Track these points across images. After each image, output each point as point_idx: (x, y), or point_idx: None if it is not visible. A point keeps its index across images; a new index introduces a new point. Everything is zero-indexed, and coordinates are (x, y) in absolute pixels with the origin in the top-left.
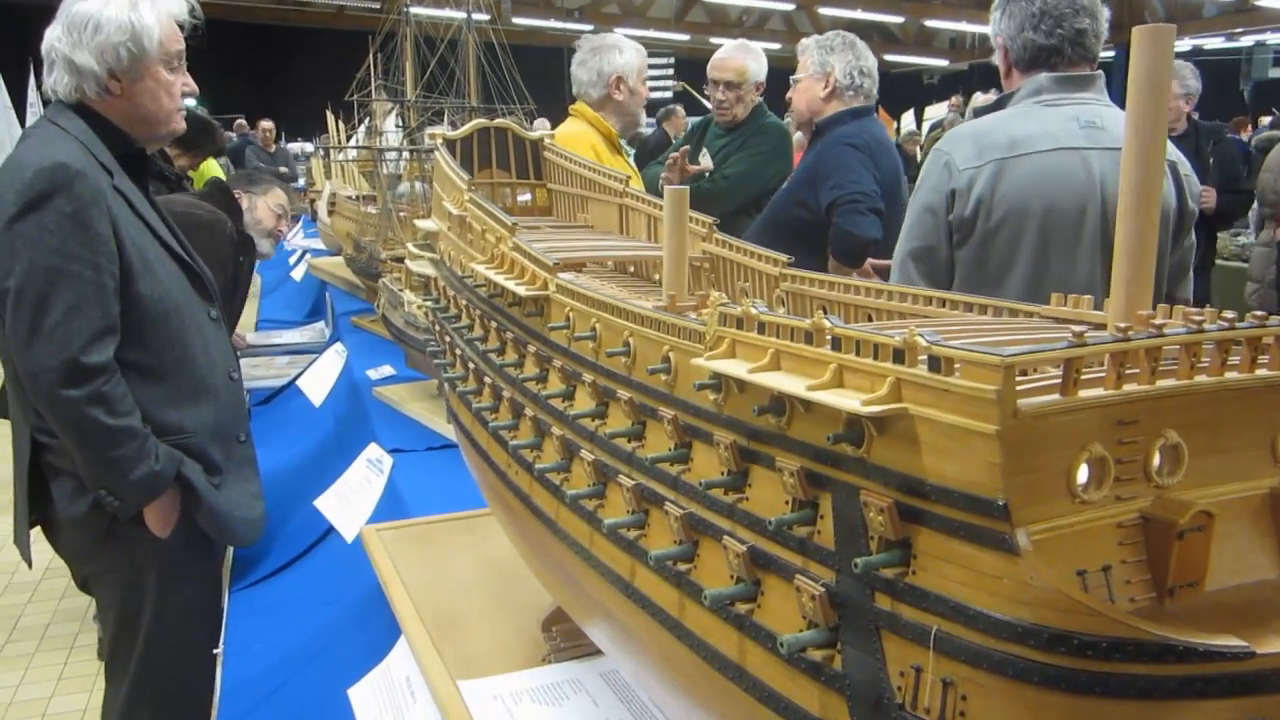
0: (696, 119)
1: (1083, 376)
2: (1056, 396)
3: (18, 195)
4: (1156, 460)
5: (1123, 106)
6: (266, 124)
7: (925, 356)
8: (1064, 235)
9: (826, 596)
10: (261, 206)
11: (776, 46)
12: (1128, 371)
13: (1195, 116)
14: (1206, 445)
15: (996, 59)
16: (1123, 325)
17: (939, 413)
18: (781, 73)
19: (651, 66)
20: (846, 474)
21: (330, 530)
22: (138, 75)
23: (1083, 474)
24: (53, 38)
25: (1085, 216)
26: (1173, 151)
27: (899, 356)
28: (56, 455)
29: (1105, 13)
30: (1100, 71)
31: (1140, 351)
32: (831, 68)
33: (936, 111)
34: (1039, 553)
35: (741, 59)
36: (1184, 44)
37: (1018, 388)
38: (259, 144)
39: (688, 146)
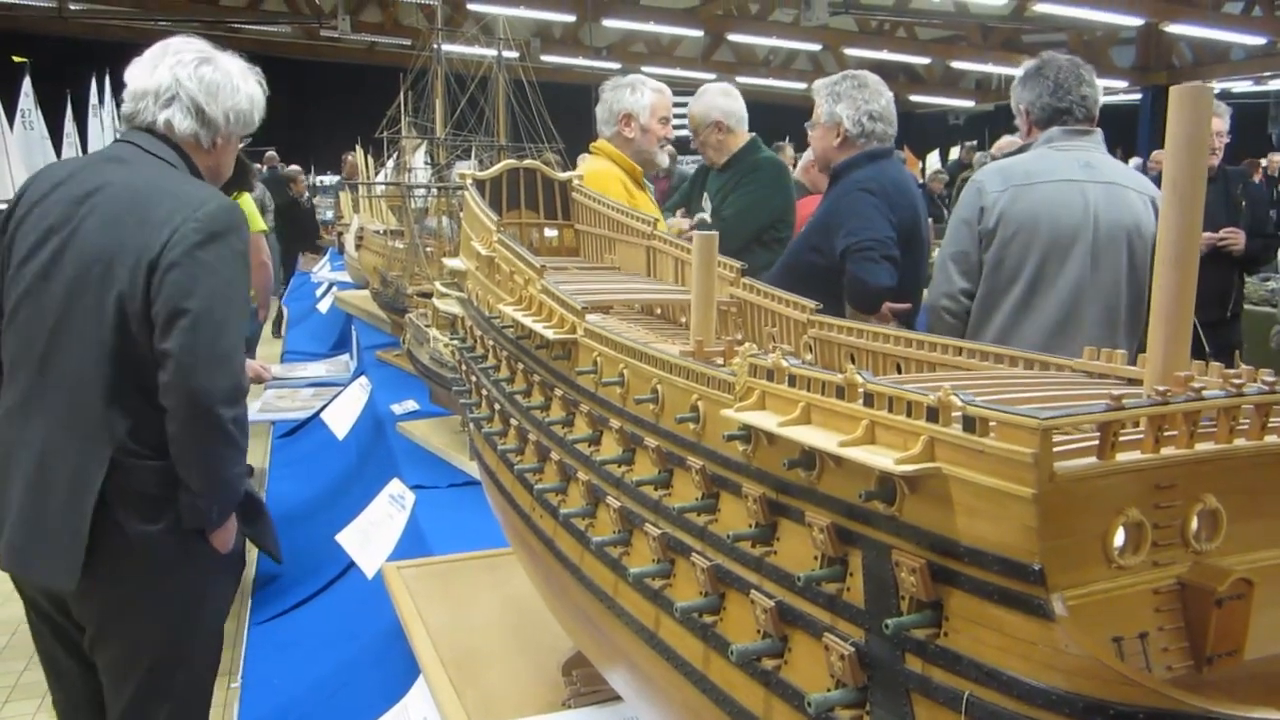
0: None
1: (1119, 438)
2: (1093, 459)
3: (200, 226)
4: (1194, 525)
5: (1145, 149)
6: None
7: (960, 415)
8: (1062, 245)
9: (856, 656)
10: None
11: (803, 86)
12: (1165, 434)
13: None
14: (1246, 510)
15: (1018, 121)
16: (1161, 388)
17: (973, 473)
18: (807, 113)
19: (677, 105)
20: (878, 532)
21: (351, 566)
22: (233, 140)
23: (1119, 538)
24: (182, 78)
25: (1079, 231)
26: (1149, 187)
27: (933, 415)
28: (136, 477)
29: (1098, 83)
30: (1098, 129)
31: (1178, 414)
32: (840, 117)
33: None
34: (1074, 619)
35: (710, 100)
36: (1212, 87)
37: (1054, 449)
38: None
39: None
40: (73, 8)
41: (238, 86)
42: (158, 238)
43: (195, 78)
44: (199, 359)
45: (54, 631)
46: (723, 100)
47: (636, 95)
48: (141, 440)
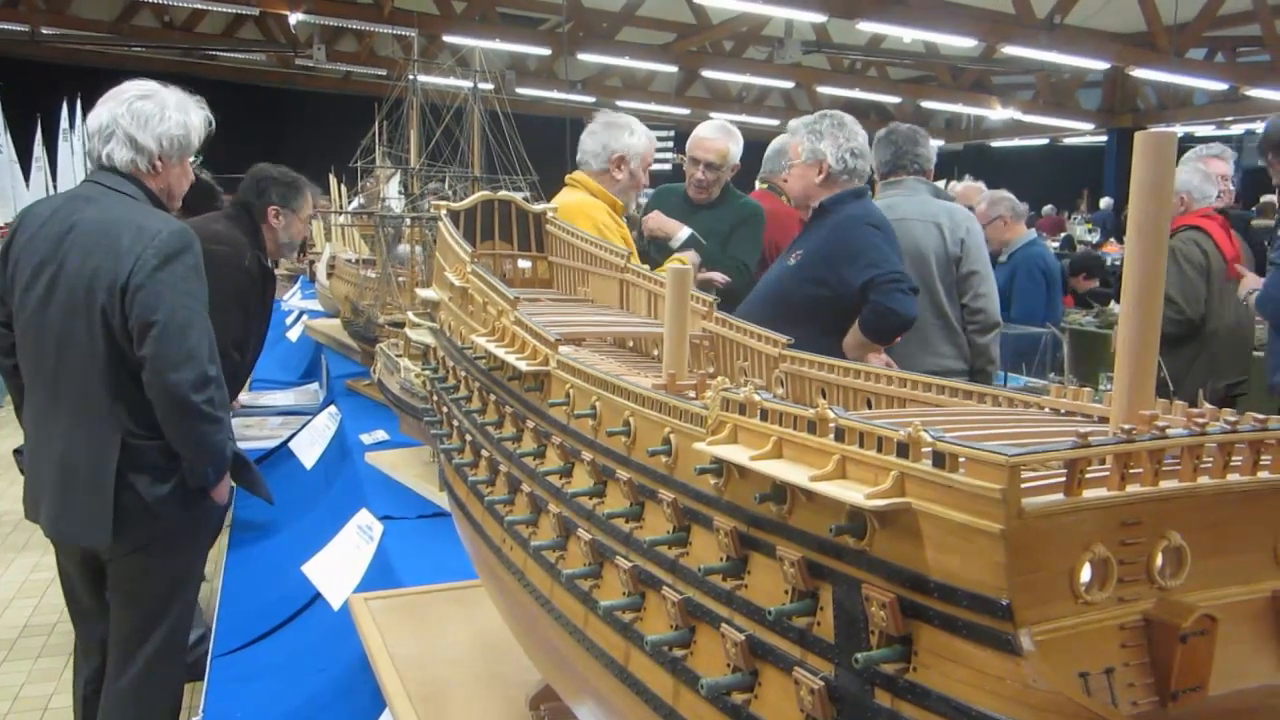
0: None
1: (1086, 475)
2: (1060, 496)
3: (156, 252)
4: (1159, 562)
5: (1112, 189)
6: None
7: (930, 451)
8: None
9: (825, 690)
10: (298, 223)
11: (775, 123)
12: (1131, 472)
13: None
14: (1209, 547)
15: (876, 175)
16: (1126, 426)
17: (943, 509)
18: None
19: (661, 139)
20: (848, 566)
21: (317, 597)
22: (173, 161)
23: (1086, 574)
24: (118, 114)
25: None
26: (943, 214)
27: (903, 450)
28: (144, 453)
29: (931, 142)
30: (909, 178)
31: (1143, 452)
32: (824, 154)
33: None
34: (1042, 654)
35: (724, 142)
36: (1175, 131)
37: (1022, 485)
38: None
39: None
40: (45, 32)
41: (168, 114)
42: (125, 265)
43: (129, 113)
44: (168, 359)
45: (80, 581)
46: (741, 146)
47: (635, 139)
48: (142, 425)
